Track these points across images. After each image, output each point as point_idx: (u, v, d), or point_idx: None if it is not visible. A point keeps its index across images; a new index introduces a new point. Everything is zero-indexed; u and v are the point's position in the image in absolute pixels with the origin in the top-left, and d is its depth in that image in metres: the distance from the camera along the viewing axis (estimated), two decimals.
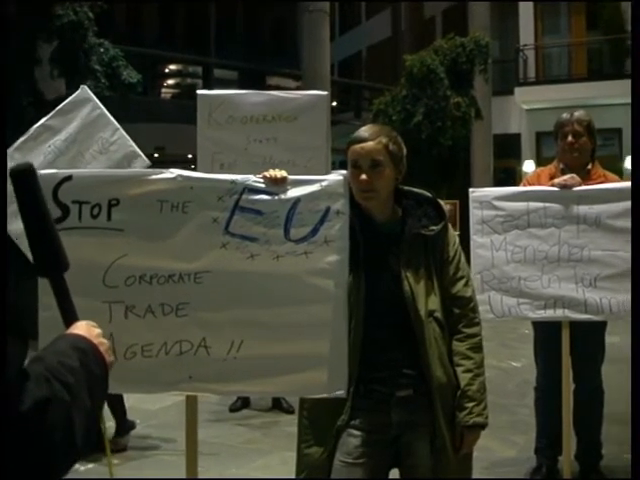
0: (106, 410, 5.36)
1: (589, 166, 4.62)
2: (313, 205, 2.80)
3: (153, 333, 2.80)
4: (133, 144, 5.17)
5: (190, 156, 16.44)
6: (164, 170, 2.86)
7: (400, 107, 16.54)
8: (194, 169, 3.37)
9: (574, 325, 4.18)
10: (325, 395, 2.79)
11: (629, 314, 4.07)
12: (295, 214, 2.79)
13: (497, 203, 4.21)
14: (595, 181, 4.47)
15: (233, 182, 2.82)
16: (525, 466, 4.98)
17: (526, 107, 21.02)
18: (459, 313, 2.89)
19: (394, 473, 2.94)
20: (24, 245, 1.65)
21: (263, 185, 2.83)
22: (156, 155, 19.78)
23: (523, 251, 4.19)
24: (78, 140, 5.12)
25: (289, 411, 6.14)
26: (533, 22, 21.60)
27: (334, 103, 25.67)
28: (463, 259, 2.95)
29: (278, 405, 6.44)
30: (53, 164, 4.74)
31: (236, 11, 28.61)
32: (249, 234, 2.79)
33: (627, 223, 4.04)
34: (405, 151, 2.88)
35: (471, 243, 4.22)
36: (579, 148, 4.58)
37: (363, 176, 2.76)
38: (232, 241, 2.80)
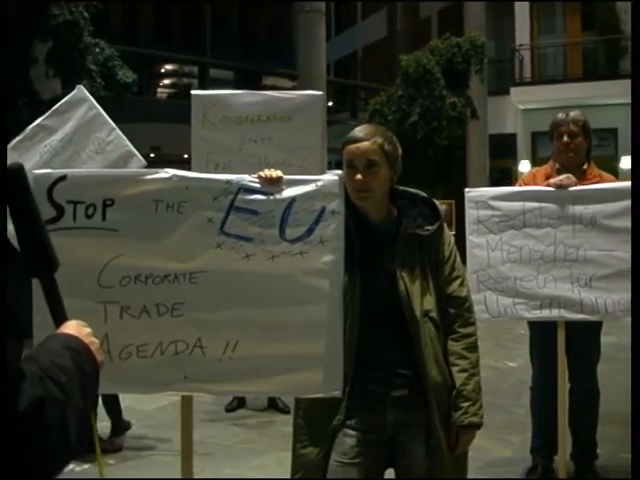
0: (102, 410, 5.36)
1: (585, 166, 4.62)
2: (308, 205, 2.80)
3: (148, 333, 2.80)
4: (129, 144, 5.17)
5: (186, 156, 16.40)
6: (159, 170, 2.86)
7: (396, 107, 16.56)
8: (190, 169, 3.36)
9: (570, 325, 4.18)
10: (321, 395, 2.79)
11: (625, 314, 4.08)
12: (290, 214, 2.79)
13: (493, 203, 4.21)
14: (591, 181, 4.47)
15: (228, 182, 2.82)
16: (521, 466, 4.97)
17: (522, 107, 21.05)
18: (454, 313, 2.89)
19: (389, 473, 2.94)
20: (14, 245, 1.64)
21: (258, 185, 2.82)
22: (152, 155, 19.77)
23: (519, 251, 4.19)
24: (74, 140, 5.11)
25: (285, 411, 6.13)
26: (529, 22, 21.64)
27: (330, 103, 25.70)
28: (458, 259, 2.95)
29: (274, 405, 6.43)
30: (49, 164, 4.74)
31: (232, 11, 28.60)
32: (244, 234, 2.79)
33: (623, 223, 4.05)
34: (400, 151, 2.88)
35: (467, 243, 4.22)
36: (575, 148, 4.58)
37: (358, 176, 2.76)
38: (227, 241, 2.79)
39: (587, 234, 4.14)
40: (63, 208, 2.75)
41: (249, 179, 2.83)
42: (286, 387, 2.90)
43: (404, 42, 23.98)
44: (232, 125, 5.32)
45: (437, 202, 2.95)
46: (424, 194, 2.93)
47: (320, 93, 5.65)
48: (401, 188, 2.93)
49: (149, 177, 2.83)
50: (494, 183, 18.65)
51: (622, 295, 4.06)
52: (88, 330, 1.61)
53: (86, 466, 4.78)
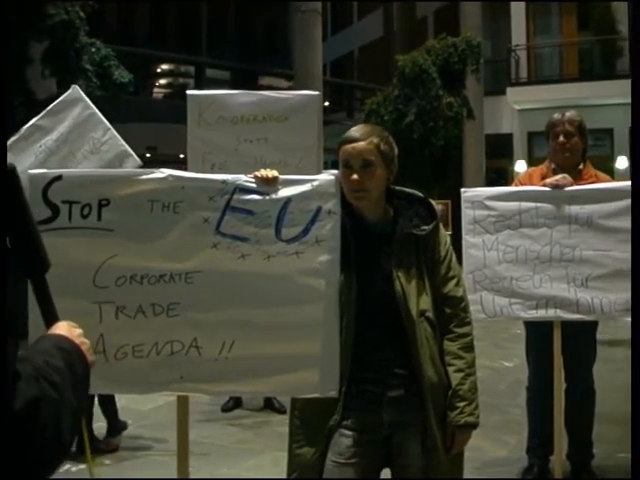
0: (98, 410, 5.36)
1: (580, 166, 4.62)
2: (304, 205, 2.80)
3: (144, 333, 2.80)
4: (124, 144, 5.16)
5: (182, 156, 16.39)
6: (155, 170, 2.86)
7: (392, 107, 16.56)
8: (186, 169, 3.36)
9: (566, 325, 4.18)
10: (317, 395, 2.79)
11: (620, 314, 4.08)
12: (286, 214, 2.79)
13: (489, 203, 4.20)
14: (587, 181, 4.47)
15: (224, 182, 2.82)
16: (517, 466, 4.97)
17: (518, 107, 21.07)
18: (450, 313, 2.89)
19: (386, 473, 2.94)
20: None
21: (254, 185, 2.82)
22: (148, 155, 19.75)
23: (515, 251, 4.19)
24: (69, 140, 5.11)
25: (281, 411, 6.13)
26: (525, 22, 21.65)
27: (326, 103, 25.70)
28: (454, 259, 2.95)
29: (270, 405, 6.43)
30: (44, 164, 4.73)
31: (228, 11, 28.59)
32: (240, 234, 2.79)
33: (619, 223, 4.06)
34: (396, 151, 2.88)
35: (463, 243, 4.21)
36: (570, 148, 4.58)
37: (354, 176, 2.75)
38: (223, 241, 2.80)
39: (583, 234, 4.14)
40: (58, 208, 2.75)
41: (245, 179, 2.83)
42: (282, 387, 2.90)
43: (400, 42, 23.95)
44: (228, 125, 5.32)
45: (433, 202, 2.94)
46: (420, 194, 2.93)
47: (316, 93, 5.64)
48: (397, 188, 2.93)
49: (145, 177, 2.83)
50: (490, 183, 18.65)
51: (618, 295, 4.07)
52: (79, 331, 1.61)
53: (82, 466, 4.77)
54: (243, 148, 5.30)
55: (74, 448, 4.72)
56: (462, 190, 4.30)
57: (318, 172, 3.11)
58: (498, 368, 8.03)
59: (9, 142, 4.96)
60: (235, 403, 6.50)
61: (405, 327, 2.78)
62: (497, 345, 8.96)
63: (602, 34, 20.21)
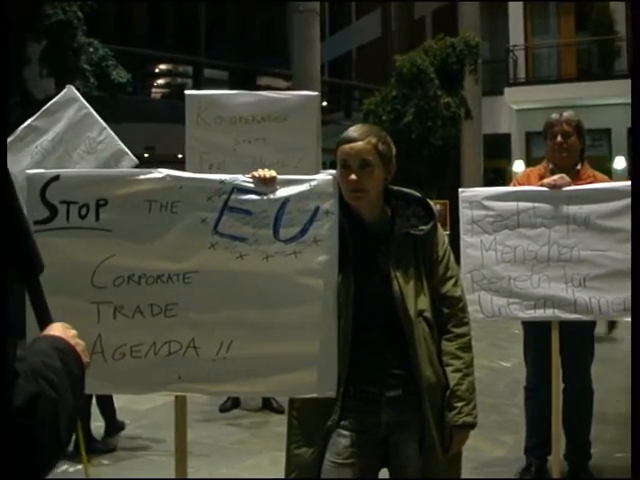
0: (96, 410, 5.35)
1: (578, 166, 4.62)
2: (302, 205, 2.80)
3: (142, 334, 2.80)
4: (120, 143, 5.16)
5: (180, 156, 16.39)
6: (153, 170, 2.86)
7: (390, 107, 16.57)
8: (184, 169, 3.36)
9: (563, 325, 4.18)
10: (315, 395, 2.79)
11: (618, 314, 4.09)
12: (284, 214, 2.79)
13: (487, 203, 4.20)
14: (584, 181, 4.47)
15: (222, 182, 2.82)
16: (515, 466, 4.97)
17: (516, 107, 21.07)
18: (448, 313, 2.89)
19: (383, 473, 2.94)
20: None
21: (252, 185, 2.82)
22: (146, 155, 19.73)
23: (513, 251, 4.19)
24: (65, 140, 5.10)
25: (279, 411, 6.12)
26: (523, 22, 21.65)
27: (324, 103, 25.65)
28: (452, 259, 2.95)
29: (268, 405, 6.43)
30: (40, 164, 4.72)
31: (226, 11, 28.55)
32: (238, 234, 2.79)
33: (616, 223, 4.06)
34: (394, 151, 2.88)
35: (461, 243, 4.21)
36: (568, 148, 4.58)
37: (352, 176, 2.75)
38: (221, 241, 2.79)
39: (581, 234, 4.14)
40: (56, 208, 2.75)
41: (243, 179, 2.83)
42: (280, 387, 2.91)
43: (398, 42, 23.96)
44: (226, 125, 5.31)
45: (431, 202, 2.94)
46: (418, 194, 2.93)
47: (315, 93, 5.64)
48: (395, 188, 2.92)
49: (142, 177, 2.83)
50: (488, 183, 18.63)
51: (616, 295, 4.07)
52: (73, 332, 1.61)
53: (79, 466, 4.76)
54: (242, 148, 5.29)
55: (71, 448, 4.72)
56: (460, 190, 4.30)
57: (316, 172, 3.11)
58: (496, 368, 8.03)
59: None
60: (233, 403, 6.50)
61: (403, 327, 2.77)
62: (495, 345, 8.97)
63: (600, 34, 20.21)
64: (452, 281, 2.91)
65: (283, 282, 2.80)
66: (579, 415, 4.73)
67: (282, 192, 2.81)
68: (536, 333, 4.58)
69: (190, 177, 2.90)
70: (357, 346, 2.78)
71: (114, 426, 5.51)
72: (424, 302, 2.83)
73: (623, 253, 4.00)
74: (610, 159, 19.35)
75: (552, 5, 21.87)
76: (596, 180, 4.57)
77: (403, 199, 2.90)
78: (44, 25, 10.44)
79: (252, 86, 25.18)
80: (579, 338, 4.54)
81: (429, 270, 2.87)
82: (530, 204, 4.19)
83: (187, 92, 5.57)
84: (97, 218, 2.77)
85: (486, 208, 4.20)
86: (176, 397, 3.02)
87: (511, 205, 4.19)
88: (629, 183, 3.94)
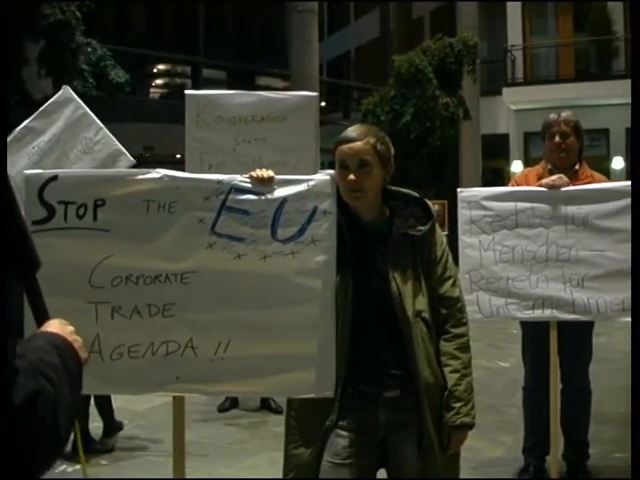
0: (94, 411, 5.35)
1: (576, 166, 4.62)
2: (300, 205, 2.80)
3: (140, 334, 2.80)
4: (117, 143, 5.15)
5: (179, 156, 16.42)
6: (150, 170, 2.85)
7: (388, 107, 16.57)
8: (183, 170, 3.35)
9: (562, 325, 4.18)
10: (313, 395, 2.78)
11: (616, 314, 4.09)
12: (282, 214, 2.79)
13: (485, 203, 4.20)
14: (583, 181, 4.47)
15: (220, 182, 2.82)
16: (513, 466, 4.96)
17: (514, 107, 21.07)
18: (446, 313, 2.88)
19: (381, 473, 2.94)
20: None
21: (250, 185, 2.82)
22: (145, 155, 19.71)
23: (511, 251, 4.19)
24: (62, 140, 5.10)
25: (277, 411, 6.11)
26: (521, 23, 21.66)
27: (322, 103, 25.67)
28: (450, 259, 2.95)
29: (266, 405, 6.42)
30: (38, 165, 4.72)
31: (225, 11, 28.53)
32: (236, 234, 2.79)
33: (615, 223, 4.06)
34: (393, 151, 2.87)
35: (459, 243, 4.21)
36: (566, 148, 4.58)
37: (351, 176, 2.75)
38: (219, 241, 2.79)
39: (579, 234, 4.14)
40: (54, 208, 2.75)
41: (240, 179, 2.83)
42: (278, 387, 2.90)
43: (397, 42, 23.97)
44: (226, 125, 5.31)
45: (429, 202, 2.94)
46: (416, 194, 2.93)
47: (314, 94, 5.65)
48: (393, 188, 2.92)
49: (140, 177, 2.83)
50: (487, 183, 18.65)
51: (614, 295, 4.07)
52: (70, 328, 1.61)
53: (77, 467, 4.76)
54: (241, 148, 5.29)
55: (69, 448, 4.71)
56: (458, 190, 4.30)
57: (315, 172, 3.11)
58: (494, 368, 8.02)
59: None
60: (232, 403, 6.49)
61: (401, 328, 2.77)
62: (493, 345, 8.96)
63: (598, 34, 20.21)
64: (450, 281, 2.91)
65: (281, 282, 2.80)
66: (577, 415, 4.73)
67: (280, 192, 2.81)
68: (534, 333, 4.58)
69: (188, 177, 2.90)
70: (355, 346, 2.78)
71: (112, 426, 5.50)
72: (422, 302, 2.83)
73: (621, 253, 4.00)
74: (608, 159, 19.37)
75: (550, 5, 21.88)
76: (594, 180, 4.56)
77: (401, 199, 2.90)
78: (42, 25, 10.43)
79: (251, 86, 25.17)
80: (577, 338, 4.54)
81: (427, 270, 2.87)
82: (528, 204, 4.18)
83: (187, 92, 5.56)
84: (95, 218, 2.76)
85: (484, 208, 4.19)
86: (174, 397, 3.02)
87: (509, 205, 4.19)
88: (627, 183, 3.95)
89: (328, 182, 2.83)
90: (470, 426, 2.85)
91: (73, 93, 5.26)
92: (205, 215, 2.80)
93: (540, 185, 4.27)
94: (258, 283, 2.80)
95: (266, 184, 2.82)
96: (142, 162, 5.64)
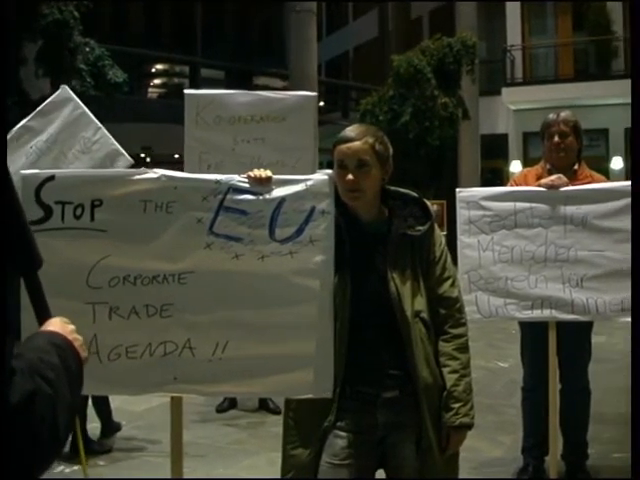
0: (92, 411, 5.33)
1: (576, 166, 4.62)
2: (298, 205, 2.79)
3: (137, 334, 2.79)
4: (115, 143, 5.14)
5: (177, 156, 16.40)
6: (148, 170, 2.85)
7: (387, 107, 16.56)
8: (181, 170, 3.35)
9: (560, 325, 4.17)
10: (311, 395, 2.78)
11: (615, 314, 4.08)
12: (280, 214, 2.79)
13: (484, 203, 4.20)
14: (582, 181, 4.46)
15: (217, 182, 2.82)
16: (512, 466, 4.96)
17: (513, 107, 21.07)
18: (445, 314, 2.88)
19: (380, 474, 2.93)
20: None
21: (248, 185, 2.82)
22: (143, 155, 19.70)
23: (510, 251, 4.18)
24: (60, 140, 5.08)
25: (276, 412, 6.10)
26: (520, 23, 21.65)
27: (321, 103, 25.64)
28: (449, 259, 2.94)
29: (265, 406, 6.41)
30: (35, 165, 4.71)
31: (223, 10, 28.51)
32: (233, 234, 2.78)
33: (614, 223, 4.06)
34: (391, 151, 2.87)
35: (458, 243, 4.20)
36: (565, 148, 4.57)
37: (349, 176, 2.74)
38: (216, 241, 2.79)
39: (578, 234, 4.14)
40: (51, 208, 2.74)
41: (238, 179, 2.83)
42: (276, 387, 2.90)
43: (395, 42, 23.96)
44: (225, 125, 5.30)
45: (428, 202, 2.93)
46: (415, 194, 2.92)
47: (313, 94, 5.63)
48: (392, 188, 2.91)
49: (138, 177, 2.82)
50: (485, 183, 18.62)
51: (613, 295, 4.06)
52: (71, 327, 1.60)
53: (75, 467, 4.77)
54: (240, 148, 5.28)
55: (67, 449, 4.71)
56: (457, 190, 4.29)
57: (313, 172, 3.10)
58: (493, 368, 8.02)
59: None
60: (230, 404, 6.48)
61: (400, 328, 2.77)
62: (492, 345, 8.96)
63: (597, 34, 20.20)
64: (449, 282, 2.90)
65: (279, 282, 2.79)
66: (576, 415, 4.72)
67: (278, 192, 2.81)
68: (533, 333, 4.57)
69: (185, 177, 2.89)
70: (354, 347, 2.77)
71: (110, 427, 5.49)
72: (421, 303, 2.82)
73: (620, 253, 4.00)
74: (607, 159, 19.37)
75: (549, 5, 21.88)
76: (593, 180, 4.56)
77: (400, 199, 2.89)
78: (40, 25, 10.42)
79: (249, 86, 25.17)
80: (576, 338, 4.53)
81: (426, 271, 2.87)
82: (527, 204, 4.18)
83: (186, 91, 5.54)
84: (92, 218, 2.76)
85: (483, 208, 4.19)
86: (172, 398, 3.02)
87: (508, 205, 4.18)
88: (626, 183, 3.95)
89: (326, 182, 2.83)
90: (469, 426, 2.84)
91: (71, 93, 5.25)
92: (203, 215, 2.79)
93: (539, 185, 4.26)
94: (256, 283, 2.79)
95: (264, 184, 2.81)
96: (140, 162, 5.63)
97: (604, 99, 18.71)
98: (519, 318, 4.27)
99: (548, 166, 4.63)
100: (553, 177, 4.26)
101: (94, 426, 5.43)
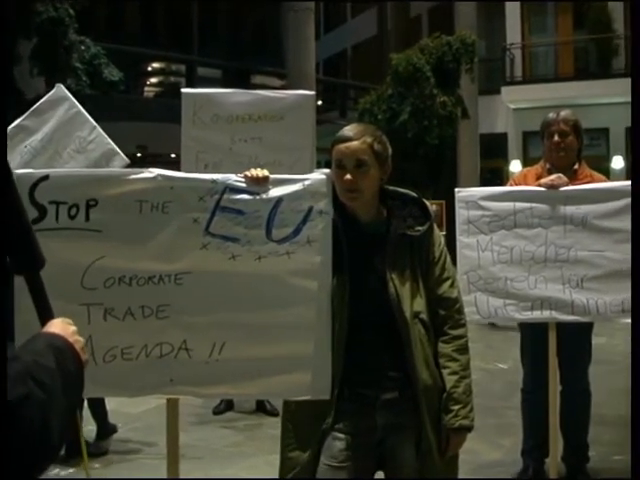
0: (87, 413, 5.31)
1: (576, 166, 4.60)
2: (296, 205, 2.78)
3: (133, 336, 2.78)
4: (111, 142, 5.13)
5: (173, 155, 16.37)
6: (144, 170, 2.83)
7: (386, 106, 16.50)
8: (177, 169, 3.32)
9: (560, 326, 4.17)
10: (308, 397, 2.77)
11: (616, 315, 4.07)
12: (277, 214, 2.78)
13: (483, 203, 4.19)
14: (582, 181, 4.45)
15: (214, 182, 2.80)
16: (512, 468, 4.94)
17: (513, 106, 21.04)
18: (445, 314, 2.87)
19: (379, 475, 2.92)
20: None
21: (245, 185, 2.80)
22: (139, 155, 19.66)
23: (509, 252, 4.17)
24: (55, 139, 5.07)
25: (273, 413, 6.09)
26: (520, 21, 21.61)
27: (319, 102, 25.60)
28: (449, 260, 2.94)
29: (262, 408, 6.39)
30: (30, 164, 4.69)
31: (219, 9, 28.46)
32: (230, 234, 2.77)
33: (614, 223, 4.05)
34: (390, 150, 2.86)
35: (457, 243, 4.20)
36: (565, 147, 4.55)
37: (348, 176, 2.73)
38: (213, 242, 2.78)
39: (578, 234, 4.13)
40: (45, 209, 2.72)
41: (235, 179, 2.82)
42: (274, 389, 2.89)
43: (394, 41, 23.96)
44: (223, 124, 5.29)
45: (427, 202, 2.92)
46: (414, 194, 2.91)
47: (311, 93, 5.62)
48: (391, 188, 2.90)
49: (133, 177, 2.81)
50: (485, 183, 18.55)
51: (614, 296, 4.06)
52: (73, 328, 1.60)
53: (71, 470, 4.74)
54: (238, 147, 5.27)
55: (62, 452, 4.67)
56: (456, 190, 4.29)
57: (311, 172, 3.08)
58: (493, 370, 8.01)
59: None
60: (227, 406, 6.46)
61: (399, 329, 2.76)
62: (491, 347, 8.94)
63: (598, 33, 20.14)
64: (448, 282, 2.89)
65: (276, 283, 2.78)
66: (577, 417, 4.70)
67: (275, 192, 2.79)
68: (533, 335, 4.55)
69: (182, 177, 2.88)
70: (352, 348, 2.76)
71: (106, 429, 5.47)
72: (420, 304, 2.81)
73: (621, 254, 3.99)
74: (608, 159, 19.33)
75: (550, 3, 21.82)
76: (593, 180, 4.55)
77: (399, 199, 2.88)
78: (35, 22, 10.40)
79: (246, 85, 25.11)
80: (576, 340, 4.51)
81: (425, 271, 2.86)
82: (527, 204, 4.17)
83: (183, 90, 5.52)
84: (87, 218, 2.74)
85: (482, 208, 4.18)
86: (168, 400, 3.01)
87: (508, 205, 4.17)
88: (627, 183, 3.94)
89: (324, 181, 2.82)
90: (469, 429, 2.84)
91: (66, 91, 5.23)
92: (199, 215, 2.78)
93: (539, 185, 4.26)
94: (253, 284, 2.79)
95: (261, 184, 2.80)
96: (136, 161, 5.62)
97: (605, 98, 18.68)
98: (519, 319, 4.26)
99: (548, 166, 4.61)
100: (553, 177, 4.25)
101: (89, 428, 5.41)
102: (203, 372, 2.79)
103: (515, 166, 19.06)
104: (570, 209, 4.14)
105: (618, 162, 19.08)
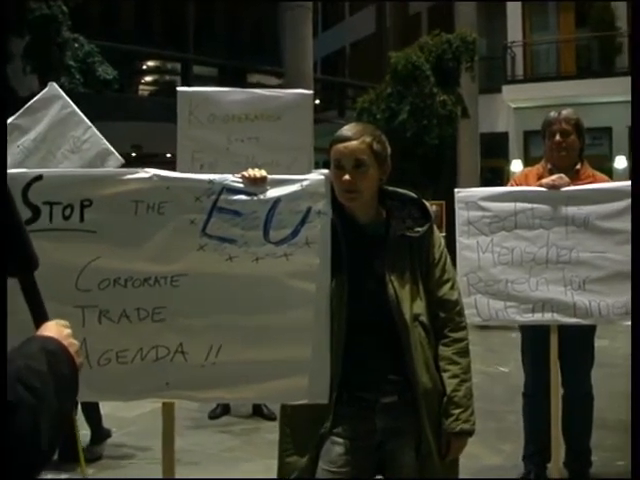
0: (81, 418, 5.27)
1: (578, 166, 4.58)
2: (294, 205, 2.76)
3: (128, 338, 2.75)
4: (106, 142, 5.11)
5: (169, 155, 16.33)
6: (139, 169, 2.80)
7: (385, 105, 16.47)
8: (173, 169, 3.29)
9: (562, 329, 4.15)
10: (306, 401, 2.75)
11: (619, 317, 4.04)
12: (275, 215, 2.75)
13: (483, 204, 4.16)
14: (584, 181, 4.43)
15: (211, 182, 2.78)
16: (512, 473, 4.92)
17: (514, 105, 21.01)
18: (445, 317, 2.85)
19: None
20: None
21: (242, 185, 2.77)
22: (134, 154, 19.60)
23: (510, 253, 4.15)
24: (48, 139, 5.05)
25: (270, 418, 6.05)
26: (521, 19, 21.57)
27: (317, 101, 25.59)
28: (449, 261, 2.91)
29: (259, 412, 6.36)
30: (23, 164, 4.67)
31: (215, 7, 28.46)
32: (227, 235, 2.75)
33: (616, 224, 4.03)
34: (389, 150, 2.83)
35: (457, 245, 4.17)
36: (567, 147, 4.54)
37: (346, 176, 2.70)
38: (210, 243, 2.75)
39: (580, 235, 4.12)
40: (39, 209, 2.69)
41: (232, 179, 2.79)
42: (271, 393, 2.86)
43: (393, 39, 23.93)
44: (219, 123, 5.26)
45: (427, 203, 2.90)
46: (414, 195, 2.88)
47: (309, 92, 5.58)
48: (390, 188, 2.88)
49: (128, 177, 2.78)
50: (485, 183, 18.54)
51: (616, 298, 4.04)
52: (68, 331, 1.59)
53: (64, 476, 4.71)
54: (234, 147, 5.24)
55: (55, 457, 4.63)
56: (456, 190, 4.28)
57: (309, 172, 3.05)
58: (494, 373, 7.99)
59: None
60: (223, 410, 6.44)
61: (399, 332, 2.73)
62: (492, 350, 8.91)
63: (600, 30, 20.08)
64: (449, 284, 2.87)
65: (274, 285, 2.76)
66: (579, 422, 4.68)
67: (273, 192, 2.77)
68: (534, 337, 4.53)
69: (178, 177, 2.85)
70: (351, 351, 2.74)
71: (100, 434, 5.43)
72: (420, 306, 2.79)
73: (623, 255, 3.96)
74: (611, 158, 19.30)
75: (551, 3, 21.79)
76: (595, 180, 4.53)
77: (398, 200, 2.86)
78: (27, 20, 10.36)
79: (243, 83, 25.15)
80: (579, 342, 4.49)
81: (425, 273, 2.83)
82: (528, 205, 4.16)
83: (179, 89, 5.48)
84: (81, 219, 2.71)
85: (483, 209, 4.16)
86: (163, 404, 3.00)
87: (508, 206, 4.15)
88: (629, 183, 3.89)
89: (322, 182, 2.79)
90: (470, 433, 2.81)
91: (60, 90, 5.21)
92: (196, 216, 2.75)
93: (540, 185, 4.25)
94: (250, 286, 2.76)
95: (258, 184, 2.78)
96: (130, 161, 5.59)
97: (607, 97, 18.63)
98: (520, 322, 4.25)
99: (549, 165, 4.60)
100: (554, 177, 4.24)
101: (83, 433, 5.35)
102: (199, 376, 2.77)
103: (516, 166, 19.05)
104: (572, 210, 4.12)
105: (621, 162, 19.04)
